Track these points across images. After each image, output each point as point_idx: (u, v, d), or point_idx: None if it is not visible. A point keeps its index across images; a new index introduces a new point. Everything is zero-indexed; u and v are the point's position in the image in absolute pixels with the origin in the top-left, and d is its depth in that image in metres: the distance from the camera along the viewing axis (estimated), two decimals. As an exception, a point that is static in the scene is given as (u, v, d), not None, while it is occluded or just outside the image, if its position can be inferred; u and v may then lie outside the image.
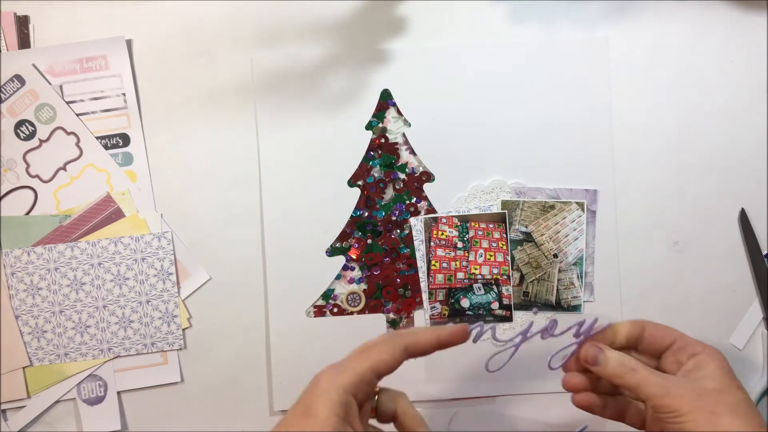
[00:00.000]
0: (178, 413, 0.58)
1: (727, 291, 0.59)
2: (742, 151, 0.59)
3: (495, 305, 0.58)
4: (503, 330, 0.58)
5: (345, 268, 0.59)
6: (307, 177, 0.58)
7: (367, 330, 0.58)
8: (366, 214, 0.59)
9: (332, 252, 0.58)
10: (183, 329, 0.58)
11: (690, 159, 0.59)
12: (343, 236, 0.59)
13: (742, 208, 0.59)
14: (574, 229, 0.58)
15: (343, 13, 0.59)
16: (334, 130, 0.59)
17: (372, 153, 0.59)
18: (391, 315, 0.59)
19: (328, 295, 0.58)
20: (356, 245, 0.58)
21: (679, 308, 0.59)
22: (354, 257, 0.58)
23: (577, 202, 0.58)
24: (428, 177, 0.59)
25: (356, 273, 0.59)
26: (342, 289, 0.59)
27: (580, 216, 0.58)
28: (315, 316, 0.58)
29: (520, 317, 0.58)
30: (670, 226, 0.59)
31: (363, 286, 0.59)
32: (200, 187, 0.59)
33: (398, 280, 0.58)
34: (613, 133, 0.59)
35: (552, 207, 0.58)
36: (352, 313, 0.59)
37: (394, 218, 0.59)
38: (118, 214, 0.58)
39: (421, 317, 0.58)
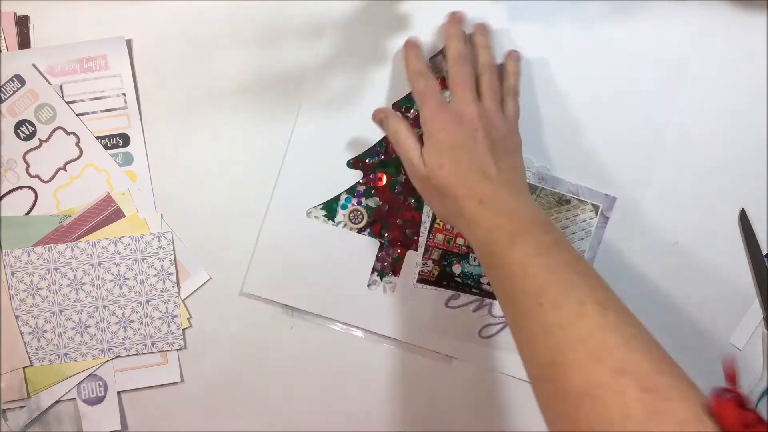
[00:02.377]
0: (178, 413, 0.58)
1: (727, 291, 0.59)
2: (742, 151, 0.59)
3: (485, 279, 0.58)
4: (498, 308, 0.58)
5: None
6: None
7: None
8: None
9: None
10: (183, 329, 0.58)
11: (690, 159, 0.59)
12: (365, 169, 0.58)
13: (742, 208, 0.59)
14: (582, 229, 0.58)
15: (343, 14, 0.59)
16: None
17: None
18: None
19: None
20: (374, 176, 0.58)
21: (679, 308, 0.59)
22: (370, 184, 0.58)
23: (593, 204, 0.58)
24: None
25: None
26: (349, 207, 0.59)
27: (592, 218, 0.58)
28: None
29: None
30: (670, 226, 0.59)
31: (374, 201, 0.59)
32: (200, 187, 0.59)
33: (399, 220, 0.58)
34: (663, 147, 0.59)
35: (568, 201, 0.58)
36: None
37: None
38: (118, 214, 0.58)
39: (412, 258, 0.58)
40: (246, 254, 0.58)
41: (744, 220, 0.59)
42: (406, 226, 0.59)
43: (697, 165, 0.59)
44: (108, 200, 0.58)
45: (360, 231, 0.59)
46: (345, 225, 0.58)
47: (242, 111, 0.59)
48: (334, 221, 0.58)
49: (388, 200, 0.58)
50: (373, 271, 0.59)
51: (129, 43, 0.58)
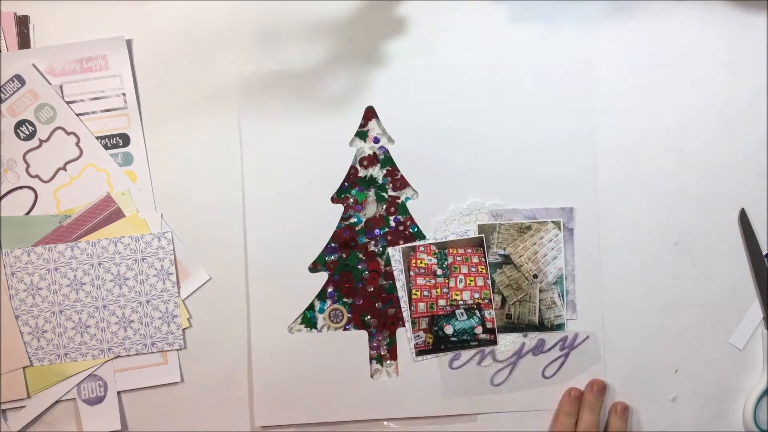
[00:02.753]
0: (178, 413, 0.58)
1: (727, 291, 0.59)
2: (742, 151, 0.59)
3: (479, 329, 0.58)
4: (501, 351, 0.58)
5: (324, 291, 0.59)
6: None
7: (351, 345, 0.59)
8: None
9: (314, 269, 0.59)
10: (183, 329, 0.58)
11: (690, 159, 0.59)
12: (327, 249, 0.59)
13: (742, 208, 0.59)
14: (552, 249, 0.58)
15: (343, 17, 0.59)
16: (321, 140, 0.58)
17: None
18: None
19: (310, 317, 0.59)
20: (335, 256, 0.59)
21: (679, 308, 0.59)
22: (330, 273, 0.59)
23: (553, 221, 0.58)
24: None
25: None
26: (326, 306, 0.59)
27: (557, 235, 0.58)
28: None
29: (508, 339, 0.58)
30: (670, 226, 0.59)
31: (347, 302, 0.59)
32: (200, 187, 0.58)
33: (379, 304, 0.59)
34: (609, 136, 0.59)
35: (528, 228, 0.58)
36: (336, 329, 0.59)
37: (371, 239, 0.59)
38: (118, 214, 0.58)
39: (403, 335, 0.58)
40: (246, 254, 0.58)
41: (744, 220, 0.59)
42: (387, 308, 0.59)
43: (697, 165, 0.59)
44: (108, 200, 0.58)
45: (345, 328, 0.59)
46: (329, 327, 0.58)
47: (242, 110, 0.59)
48: (317, 328, 0.58)
49: (359, 294, 0.59)
50: (371, 361, 0.59)
51: (129, 43, 0.58)
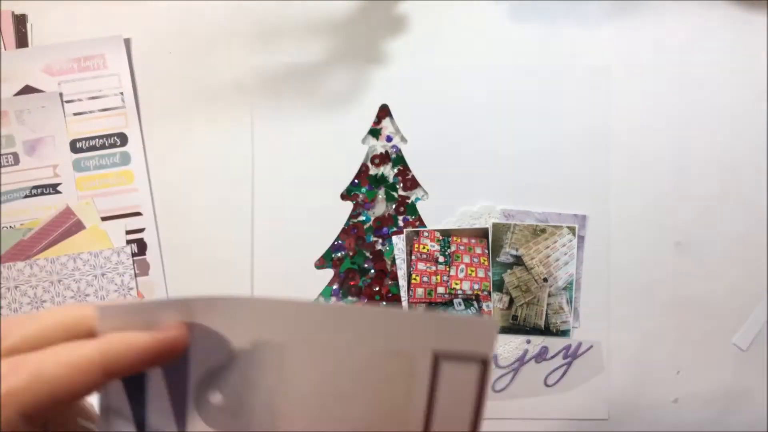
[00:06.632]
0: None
1: (729, 291, 0.58)
2: (742, 151, 0.59)
3: None
4: (503, 357, 0.58)
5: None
6: (303, 181, 0.58)
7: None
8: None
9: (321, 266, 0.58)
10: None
11: (691, 159, 0.59)
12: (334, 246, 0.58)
13: None
14: (565, 254, 0.58)
15: (343, 17, 0.59)
16: (333, 137, 0.58)
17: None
18: None
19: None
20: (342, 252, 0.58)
21: (681, 308, 0.58)
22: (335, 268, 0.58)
23: (568, 227, 0.58)
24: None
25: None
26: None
27: (571, 240, 0.58)
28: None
29: (511, 345, 0.58)
30: (672, 226, 0.59)
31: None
32: (198, 187, 0.58)
33: (383, 304, 0.58)
34: (612, 136, 0.58)
35: (543, 231, 0.58)
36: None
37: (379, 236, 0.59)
38: (78, 227, 0.57)
39: None
40: (245, 253, 0.58)
41: None
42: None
43: (698, 165, 0.59)
44: (68, 213, 0.57)
45: None
46: None
47: (241, 110, 0.58)
48: None
49: (364, 293, 0.58)
50: None
51: (127, 42, 0.58)
